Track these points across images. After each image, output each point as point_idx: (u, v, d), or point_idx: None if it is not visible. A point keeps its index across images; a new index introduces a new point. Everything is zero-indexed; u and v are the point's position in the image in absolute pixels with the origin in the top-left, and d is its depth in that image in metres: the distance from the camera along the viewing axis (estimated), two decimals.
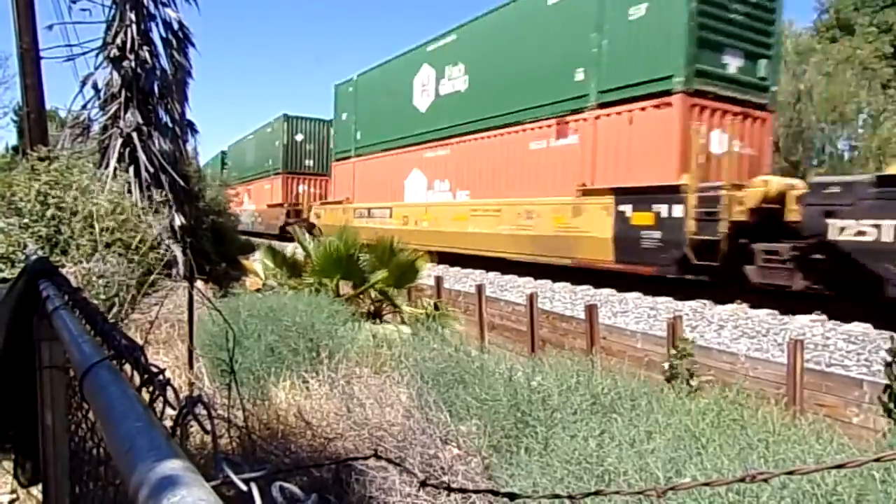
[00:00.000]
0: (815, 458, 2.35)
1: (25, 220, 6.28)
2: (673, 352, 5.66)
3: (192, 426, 0.74)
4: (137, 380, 0.85)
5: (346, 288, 7.40)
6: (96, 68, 9.43)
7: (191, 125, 10.92)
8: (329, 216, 20.66)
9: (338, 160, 21.46)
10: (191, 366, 4.63)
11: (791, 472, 1.15)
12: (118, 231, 6.58)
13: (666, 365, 5.64)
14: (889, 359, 4.24)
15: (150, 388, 0.80)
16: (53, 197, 6.50)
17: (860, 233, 6.78)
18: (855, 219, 6.85)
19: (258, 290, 7.63)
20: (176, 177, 9.53)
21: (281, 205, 26.60)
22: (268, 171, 29.20)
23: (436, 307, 7.50)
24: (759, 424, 2.89)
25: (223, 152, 41.22)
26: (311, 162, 27.70)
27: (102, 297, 5.63)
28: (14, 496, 2.65)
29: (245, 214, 31.77)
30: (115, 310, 5.63)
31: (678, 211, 8.97)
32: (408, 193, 16.84)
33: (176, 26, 9.89)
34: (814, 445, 2.53)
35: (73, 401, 1.43)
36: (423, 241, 13.05)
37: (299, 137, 27.30)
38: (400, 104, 17.03)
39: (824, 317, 7.51)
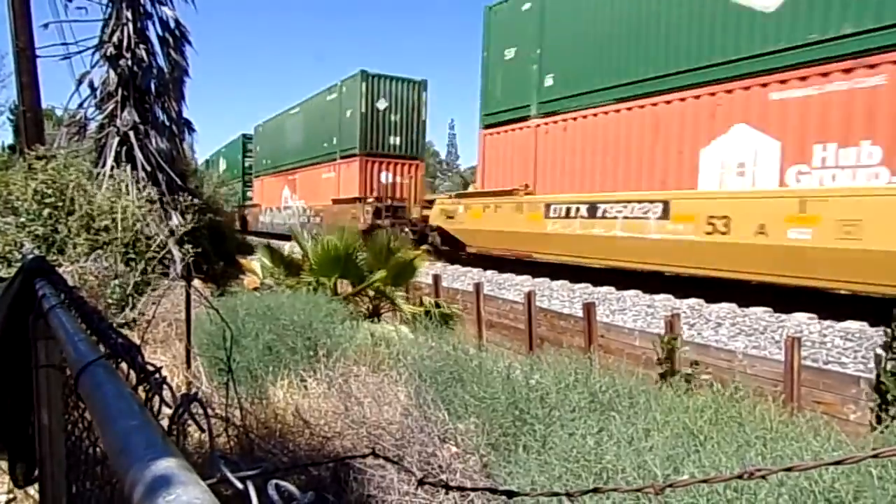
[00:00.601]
0: (813, 455, 2.35)
1: (22, 220, 6.28)
2: (661, 349, 5.68)
3: (190, 425, 0.74)
4: (134, 379, 0.85)
5: (343, 286, 7.39)
6: (93, 67, 9.41)
7: (188, 124, 10.91)
8: (475, 216, 13.23)
9: (494, 126, 13.35)
10: (188, 365, 4.62)
11: (789, 469, 1.15)
12: (115, 230, 6.57)
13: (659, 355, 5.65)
14: (883, 353, 4.26)
15: (146, 387, 0.79)
16: (50, 196, 6.49)
17: None
18: None
19: (256, 289, 7.62)
20: (173, 175, 9.51)
21: (359, 199, 18.83)
22: (331, 154, 20.97)
23: (437, 305, 7.50)
24: (757, 422, 2.89)
25: (245, 136, 32.30)
26: (398, 139, 19.52)
27: (116, 296, 5.65)
28: (11, 496, 2.65)
29: (285, 214, 24.98)
30: (128, 310, 5.65)
31: None
32: (708, 175, 8.76)
33: (172, 25, 9.86)
34: (811, 442, 2.54)
35: (70, 400, 1.42)
36: (810, 270, 7.34)
37: (382, 105, 19.07)
38: (681, 9, 9.19)
39: None
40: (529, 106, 12.32)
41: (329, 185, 21.14)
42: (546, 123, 11.92)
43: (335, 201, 20.35)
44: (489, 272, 13.21)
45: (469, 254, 14.05)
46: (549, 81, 11.86)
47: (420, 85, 19.99)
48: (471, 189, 15.43)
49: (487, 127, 13.66)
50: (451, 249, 14.89)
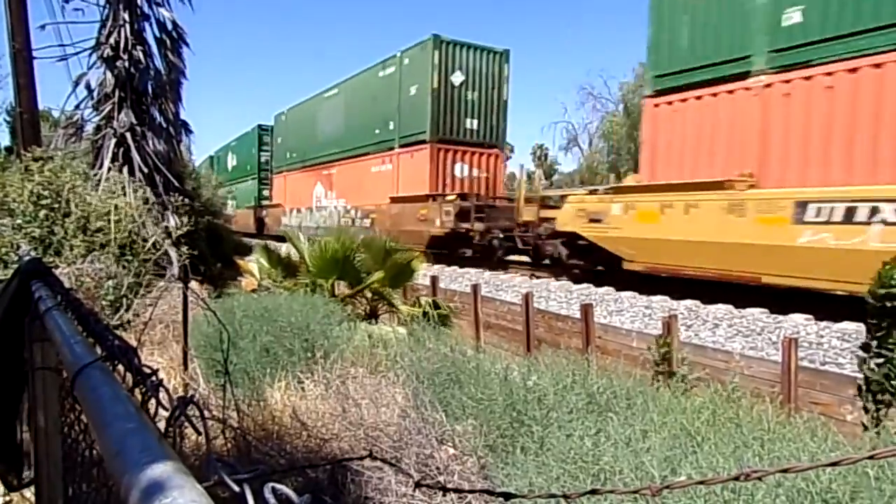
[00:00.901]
0: (810, 456, 2.36)
1: (18, 221, 6.26)
2: (656, 351, 5.69)
3: (186, 427, 0.74)
4: (131, 381, 0.84)
5: (341, 288, 7.39)
6: (90, 68, 9.39)
7: (185, 125, 10.89)
8: (647, 219, 9.30)
9: (674, 91, 9.43)
10: (185, 367, 4.61)
11: (786, 471, 1.16)
12: (112, 232, 6.56)
13: (653, 356, 5.66)
14: (863, 354, 4.27)
15: (143, 390, 0.79)
16: (46, 198, 6.48)
17: None
18: None
19: (253, 291, 7.61)
20: (170, 177, 9.49)
21: (432, 197, 14.99)
22: (386, 143, 17.28)
23: (436, 305, 7.50)
24: (754, 423, 2.90)
25: (261, 128, 28.50)
26: (476, 123, 15.84)
27: (111, 297, 5.64)
28: (7, 498, 2.64)
29: (319, 215, 21.20)
30: (122, 311, 5.64)
31: None
32: None
33: (170, 26, 9.85)
34: (808, 443, 2.54)
35: (66, 402, 1.42)
36: None
37: (458, 79, 15.38)
38: None
39: None
40: (750, 57, 8.37)
41: (382, 181, 17.28)
42: (786, 81, 8.02)
43: (394, 200, 16.51)
44: (487, 273, 13.08)
45: (630, 272, 9.89)
46: (793, 17, 7.92)
47: (502, 56, 16.15)
48: (630, 181, 10.87)
49: (661, 93, 9.64)
50: (588, 264, 11.16)
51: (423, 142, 15.55)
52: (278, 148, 26.52)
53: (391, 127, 17.02)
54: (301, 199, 23.35)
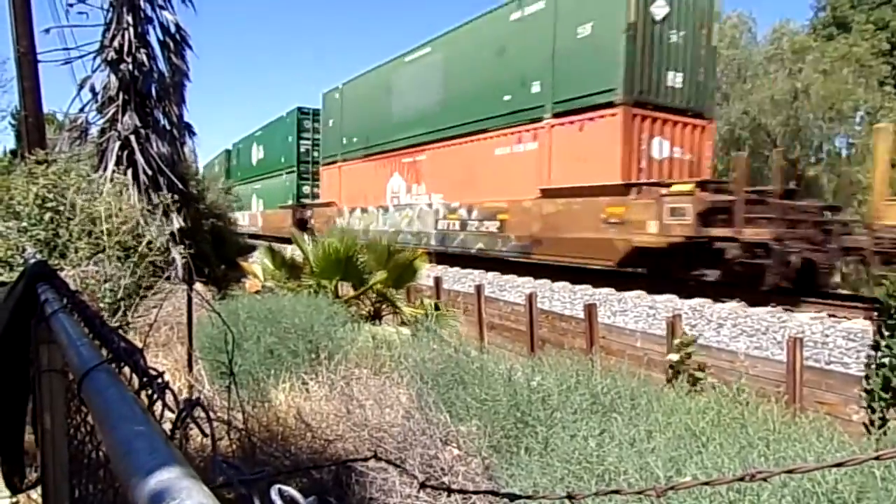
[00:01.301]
0: (816, 457, 2.35)
1: (24, 224, 6.29)
2: (674, 353, 5.65)
3: (192, 428, 0.74)
4: (136, 383, 0.85)
5: (345, 289, 7.40)
6: (94, 71, 9.43)
7: (188, 127, 10.92)
8: None
9: None
10: (190, 368, 4.63)
11: (791, 471, 1.15)
12: (116, 234, 6.58)
13: (670, 358, 5.64)
14: (873, 353, 4.24)
15: (149, 391, 0.80)
16: (51, 200, 6.50)
17: None
18: None
19: (257, 293, 7.62)
20: (174, 179, 9.52)
21: (634, 187, 9.73)
22: (525, 112, 12.17)
23: (436, 307, 7.50)
24: (760, 423, 2.88)
25: (301, 111, 23.64)
26: (680, 79, 10.62)
27: (108, 300, 5.66)
28: (15, 500, 2.65)
29: (399, 216, 16.57)
30: (119, 314, 5.66)
31: None
32: None
33: (173, 29, 9.88)
34: (814, 443, 2.53)
35: (72, 404, 1.43)
36: None
37: (660, 10, 10.21)
38: None
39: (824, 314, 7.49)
40: None
41: (519, 167, 12.17)
42: None
43: (549, 193, 11.29)
44: (490, 274, 13.10)
45: None
46: None
47: None
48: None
49: None
50: None
51: (609, 105, 10.20)
52: (329, 133, 21.25)
53: (535, 90, 11.82)
54: (366, 196, 18.30)
